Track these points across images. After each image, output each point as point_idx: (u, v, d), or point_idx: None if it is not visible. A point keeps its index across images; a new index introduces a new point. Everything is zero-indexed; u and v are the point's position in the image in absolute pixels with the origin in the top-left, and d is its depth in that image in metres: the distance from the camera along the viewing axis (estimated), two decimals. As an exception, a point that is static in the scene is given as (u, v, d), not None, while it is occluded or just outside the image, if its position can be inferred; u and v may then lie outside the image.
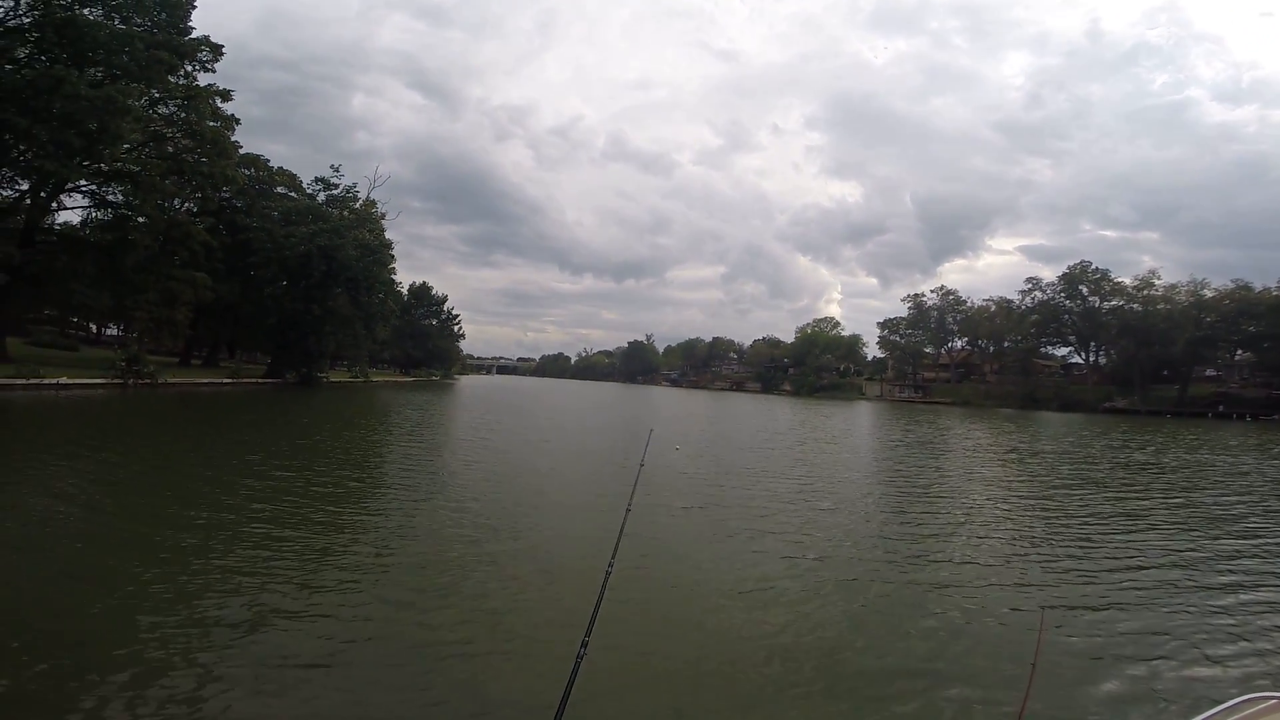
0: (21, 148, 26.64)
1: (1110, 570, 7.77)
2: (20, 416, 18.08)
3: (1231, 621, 6.13)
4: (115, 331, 57.74)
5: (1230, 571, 7.96)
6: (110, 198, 33.07)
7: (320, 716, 3.92)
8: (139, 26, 29.53)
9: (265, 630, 4.94)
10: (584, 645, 2.22)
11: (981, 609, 6.27)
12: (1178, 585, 7.28)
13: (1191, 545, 9.30)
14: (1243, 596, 6.97)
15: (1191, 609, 6.46)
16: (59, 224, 33.74)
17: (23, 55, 26.83)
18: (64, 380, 26.12)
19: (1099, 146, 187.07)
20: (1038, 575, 7.51)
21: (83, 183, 30.92)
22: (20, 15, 26.65)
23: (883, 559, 7.95)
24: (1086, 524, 10.60)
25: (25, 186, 29.81)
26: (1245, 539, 9.94)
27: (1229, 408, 66.66)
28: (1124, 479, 16.62)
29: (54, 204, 31.81)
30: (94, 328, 60.87)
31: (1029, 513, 11.63)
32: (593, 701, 3.98)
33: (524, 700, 4.15)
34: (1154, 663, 5.12)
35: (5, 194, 29.83)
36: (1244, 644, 5.60)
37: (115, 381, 28.92)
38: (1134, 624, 5.99)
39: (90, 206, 33.54)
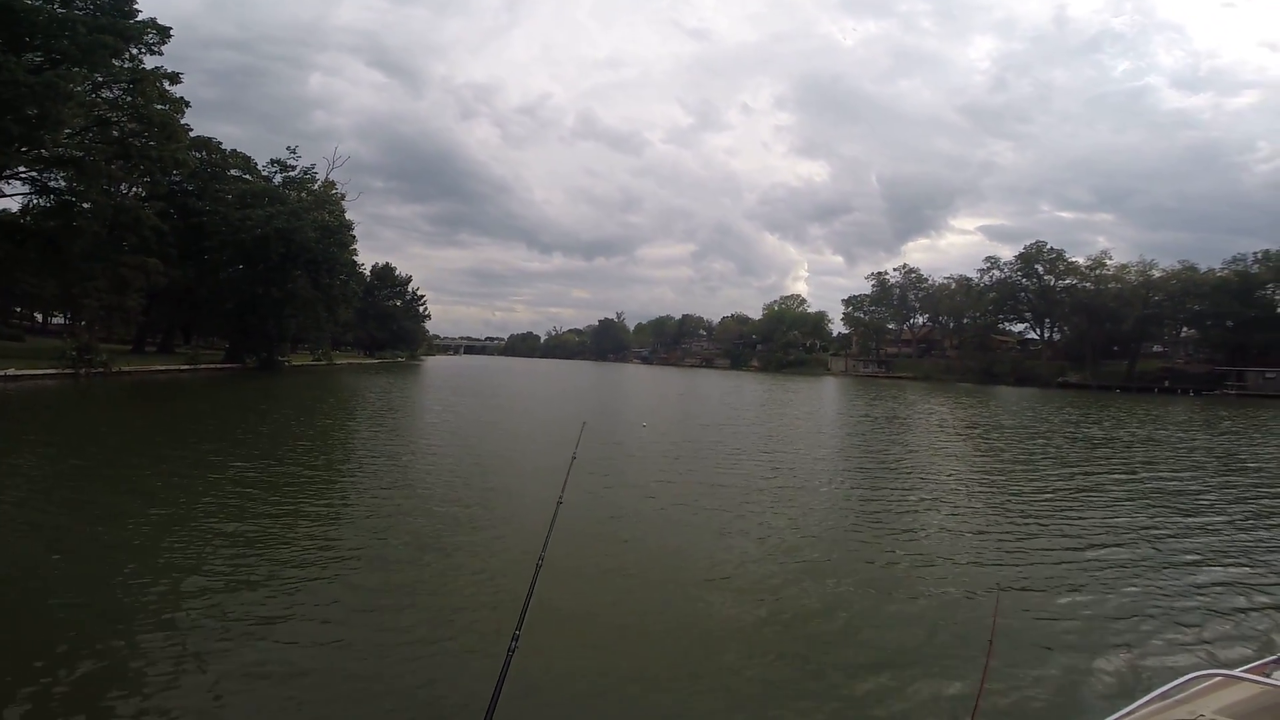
0: (-46, 134, 25.42)
1: (1065, 549, 7.96)
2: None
3: (1185, 601, 6.31)
4: (63, 320, 55.66)
5: (1184, 550, 8.16)
6: (53, 184, 31.89)
7: (252, 710, 3.96)
8: (80, 10, 28.29)
9: (199, 622, 4.97)
10: (515, 638, 2.16)
11: (940, 590, 6.46)
12: (1131, 564, 7.46)
13: (1145, 523, 9.50)
14: (1195, 575, 7.14)
15: (1144, 588, 6.64)
16: (-2, 211, 32.39)
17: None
18: (12, 371, 25.43)
19: (1060, 130, 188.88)
20: (995, 555, 7.71)
21: (22, 169, 29.74)
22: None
23: (845, 541, 8.18)
24: (1042, 502, 10.88)
25: (-41, 173, 28.53)
26: (1198, 516, 10.19)
27: (1174, 383, 69.51)
28: (1080, 455, 17.13)
29: (-9, 190, 30.48)
30: (39, 317, 58.79)
31: (988, 491, 11.89)
32: (529, 697, 4.03)
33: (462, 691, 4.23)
34: (1107, 642, 5.29)
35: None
36: (1196, 623, 5.77)
37: (66, 371, 28.21)
38: (1089, 603, 6.18)
39: (31, 193, 32.30)
